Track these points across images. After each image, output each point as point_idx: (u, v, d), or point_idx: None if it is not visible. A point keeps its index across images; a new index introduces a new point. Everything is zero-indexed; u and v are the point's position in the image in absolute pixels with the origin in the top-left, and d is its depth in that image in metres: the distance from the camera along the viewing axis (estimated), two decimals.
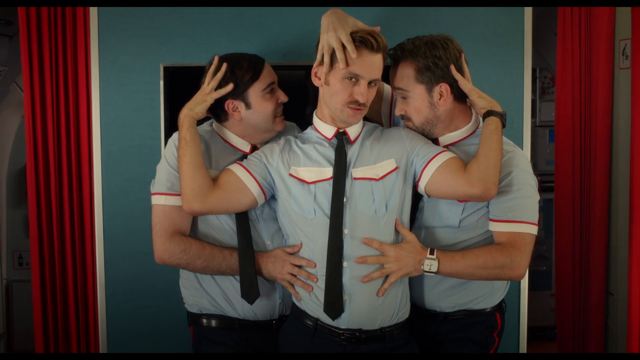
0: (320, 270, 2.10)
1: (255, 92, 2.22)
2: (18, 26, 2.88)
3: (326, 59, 2.07)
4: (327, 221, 2.08)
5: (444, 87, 2.12)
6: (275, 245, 2.27)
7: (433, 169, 2.09)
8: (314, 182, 2.10)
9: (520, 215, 2.10)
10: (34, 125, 2.89)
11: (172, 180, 2.17)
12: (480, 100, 2.12)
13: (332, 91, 2.09)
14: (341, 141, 2.14)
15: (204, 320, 2.28)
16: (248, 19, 2.62)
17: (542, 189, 4.25)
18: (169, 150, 2.22)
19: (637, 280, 2.82)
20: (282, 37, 2.62)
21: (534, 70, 2.68)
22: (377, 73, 2.09)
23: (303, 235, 2.12)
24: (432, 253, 2.09)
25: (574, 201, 3.29)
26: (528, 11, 2.65)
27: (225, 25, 2.62)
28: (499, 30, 2.62)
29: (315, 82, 2.15)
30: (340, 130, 2.16)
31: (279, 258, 2.17)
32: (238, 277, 2.22)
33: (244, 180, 2.13)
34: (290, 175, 2.13)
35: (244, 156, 2.26)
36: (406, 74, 2.15)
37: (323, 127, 2.18)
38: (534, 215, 2.13)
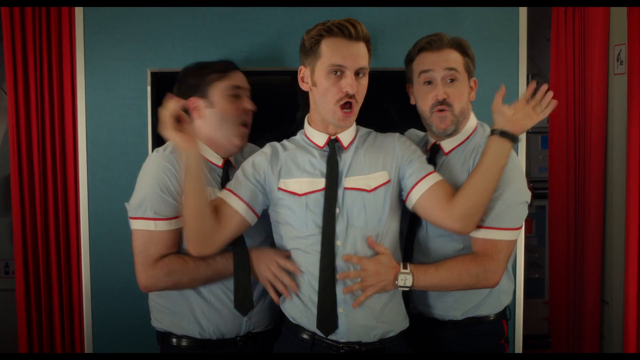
0: (316, 284, 2.04)
1: (218, 91, 2.19)
2: (2, 31, 2.83)
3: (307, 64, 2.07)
4: (321, 233, 2.03)
5: (474, 82, 2.19)
6: None
7: (422, 190, 2.05)
8: (306, 194, 2.04)
9: (494, 221, 2.06)
10: (18, 131, 2.83)
11: (161, 204, 2.09)
12: (500, 115, 2.03)
13: (321, 91, 2.03)
14: (333, 150, 2.08)
15: (171, 339, 2.23)
16: (236, 23, 2.58)
17: (534, 196, 4.28)
18: (157, 173, 2.12)
19: (634, 289, 2.79)
20: (271, 42, 2.59)
21: (526, 76, 2.68)
22: (362, 61, 2.03)
23: (296, 249, 2.06)
24: (405, 267, 2.04)
25: (568, 208, 3.26)
26: (523, 16, 2.63)
27: (213, 30, 2.58)
28: (494, 36, 2.60)
29: (303, 86, 2.10)
30: (333, 137, 2.10)
31: (266, 255, 2.11)
32: (208, 294, 2.18)
33: (238, 210, 2.07)
34: (280, 189, 2.06)
35: (222, 171, 2.21)
36: (457, 59, 2.15)
37: (314, 134, 2.12)
38: (514, 221, 2.09)
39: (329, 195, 2.03)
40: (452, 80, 2.13)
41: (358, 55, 2.02)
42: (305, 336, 2.07)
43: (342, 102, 2.01)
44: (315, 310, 2.03)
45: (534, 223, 4.40)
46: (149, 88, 2.56)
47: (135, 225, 2.12)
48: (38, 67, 2.83)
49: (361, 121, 2.17)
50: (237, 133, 2.21)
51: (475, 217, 2.02)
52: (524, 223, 2.18)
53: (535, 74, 4.39)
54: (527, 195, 2.13)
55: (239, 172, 2.13)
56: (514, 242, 2.11)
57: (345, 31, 2.00)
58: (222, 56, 2.56)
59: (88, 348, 2.67)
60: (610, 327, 3.14)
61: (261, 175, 2.09)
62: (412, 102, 2.25)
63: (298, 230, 2.04)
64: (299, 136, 2.18)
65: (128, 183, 2.58)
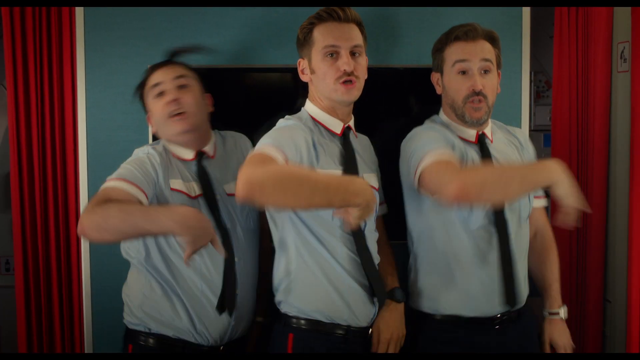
0: (350, 270, 2.07)
1: (148, 95, 2.24)
2: (1, 27, 2.81)
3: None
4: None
5: (499, 74, 2.22)
6: (246, 264, 2.22)
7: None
8: None
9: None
10: (18, 129, 2.81)
11: (129, 173, 2.07)
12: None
13: (320, 75, 2.06)
14: (348, 139, 2.10)
15: (149, 340, 2.20)
16: (237, 20, 2.57)
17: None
18: (140, 156, 2.18)
19: (637, 288, 2.78)
20: (273, 39, 2.57)
21: (529, 74, 2.67)
22: (356, 39, 2.06)
23: (325, 239, 2.04)
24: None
25: None
26: (526, 14, 2.62)
27: (214, 27, 2.57)
28: (497, 33, 2.58)
29: (304, 78, 2.14)
30: (346, 125, 2.12)
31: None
32: (203, 297, 2.16)
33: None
34: None
35: (196, 163, 2.21)
36: (490, 50, 2.18)
37: (327, 119, 2.11)
38: None
39: None
40: (485, 72, 2.15)
41: (350, 35, 2.06)
42: (339, 331, 2.07)
43: (341, 80, 2.03)
44: (356, 300, 2.07)
45: None
46: None
47: (103, 185, 2.07)
48: (38, 64, 2.80)
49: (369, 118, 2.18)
50: (170, 125, 2.20)
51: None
52: None
53: (538, 71, 4.37)
54: None
55: (287, 135, 1.98)
56: None
57: (334, 14, 2.05)
58: (223, 52, 2.57)
59: (88, 346, 2.66)
60: (613, 325, 3.12)
61: (305, 152, 2.01)
62: (439, 91, 2.26)
63: (331, 222, 2.04)
64: (311, 122, 2.13)
65: None
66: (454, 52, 2.17)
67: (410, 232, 2.32)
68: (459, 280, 2.19)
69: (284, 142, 1.92)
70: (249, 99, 2.61)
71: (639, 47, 2.75)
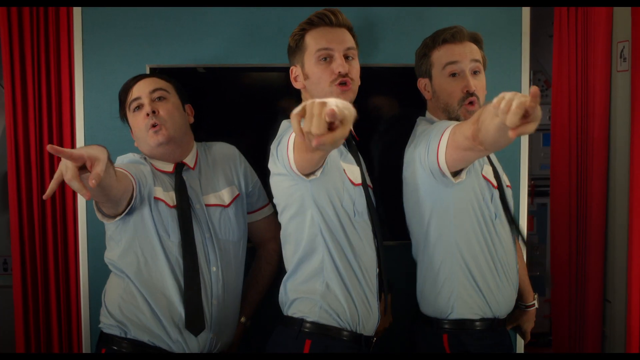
0: (369, 276, 2.06)
1: (128, 110, 2.25)
2: None
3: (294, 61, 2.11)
4: (368, 224, 2.05)
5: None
6: (228, 274, 2.20)
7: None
8: (359, 185, 2.03)
9: None
10: (16, 128, 2.81)
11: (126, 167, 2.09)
12: None
13: (314, 80, 2.04)
14: (352, 143, 2.10)
15: (123, 344, 2.17)
16: (236, 19, 2.56)
17: (535, 193, 4.25)
18: (128, 160, 2.20)
19: (637, 288, 2.77)
20: (271, 38, 2.56)
21: (528, 73, 2.66)
22: (348, 42, 2.05)
23: (344, 237, 2.01)
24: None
25: (570, 206, 3.23)
26: (526, 13, 2.61)
27: (213, 26, 2.55)
28: (497, 32, 2.58)
29: (297, 85, 2.13)
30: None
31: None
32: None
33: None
34: (345, 171, 2.01)
35: (175, 175, 2.22)
36: (477, 51, 2.18)
37: None
38: None
39: (366, 188, 2.07)
40: (475, 72, 2.15)
41: (343, 38, 2.05)
42: (355, 339, 2.06)
43: (337, 82, 2.01)
44: (369, 306, 2.06)
45: (535, 220, 4.37)
46: None
47: None
48: (36, 64, 2.79)
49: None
50: (148, 137, 2.21)
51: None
52: None
53: (537, 70, 4.37)
54: None
55: None
56: None
57: (325, 19, 2.04)
58: (221, 51, 2.55)
59: (86, 346, 2.65)
60: (613, 325, 3.12)
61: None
62: (428, 97, 2.23)
63: (351, 218, 2.01)
64: None
65: None
66: (444, 55, 2.16)
67: (424, 236, 2.20)
68: (481, 283, 2.14)
69: None
70: (247, 99, 2.61)
71: (639, 46, 2.74)
